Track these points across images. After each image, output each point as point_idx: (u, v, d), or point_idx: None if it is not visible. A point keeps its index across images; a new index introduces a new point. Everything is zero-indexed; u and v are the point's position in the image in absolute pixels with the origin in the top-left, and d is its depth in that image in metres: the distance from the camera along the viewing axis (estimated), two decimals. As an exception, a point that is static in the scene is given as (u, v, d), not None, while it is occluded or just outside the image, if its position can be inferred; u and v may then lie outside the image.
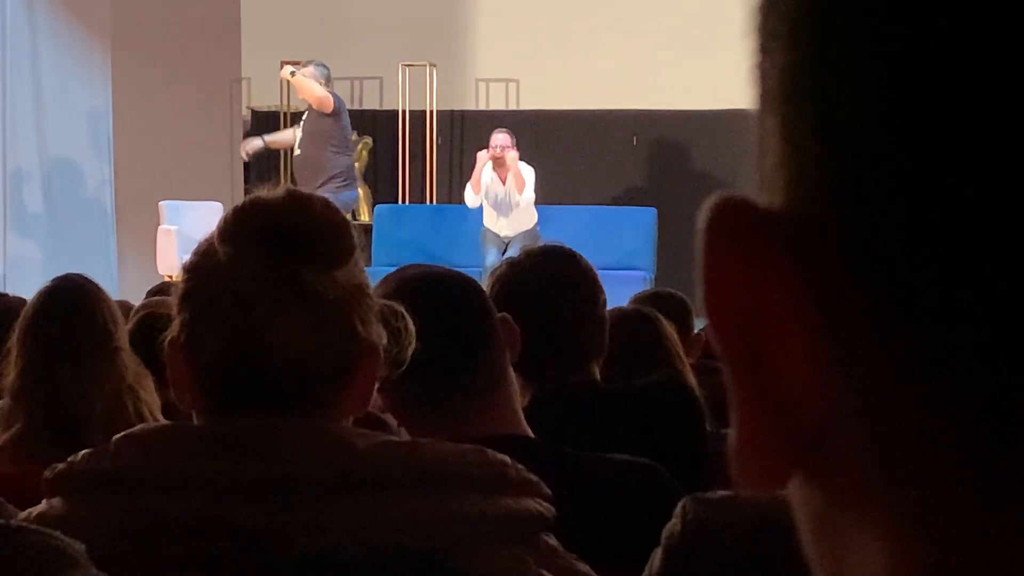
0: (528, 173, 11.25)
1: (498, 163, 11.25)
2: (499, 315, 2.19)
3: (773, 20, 0.46)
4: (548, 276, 2.55)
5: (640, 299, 4.27)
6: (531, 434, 2.19)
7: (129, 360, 2.94)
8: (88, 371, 2.89)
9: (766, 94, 0.46)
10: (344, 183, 10.78)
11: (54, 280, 3.06)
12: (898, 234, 0.42)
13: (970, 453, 0.42)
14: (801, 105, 0.44)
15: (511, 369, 2.20)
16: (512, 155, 11.25)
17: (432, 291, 2.18)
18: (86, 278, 3.09)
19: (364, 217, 12.66)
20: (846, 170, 0.43)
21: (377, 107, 13.48)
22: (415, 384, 2.06)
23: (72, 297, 2.97)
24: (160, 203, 10.97)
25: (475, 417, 2.14)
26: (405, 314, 1.73)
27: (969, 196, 0.41)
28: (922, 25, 0.41)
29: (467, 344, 2.16)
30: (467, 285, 2.23)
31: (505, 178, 11.25)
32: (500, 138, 11.31)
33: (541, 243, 2.96)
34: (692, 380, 3.31)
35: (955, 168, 0.41)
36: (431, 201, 13.02)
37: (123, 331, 2.97)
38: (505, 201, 11.18)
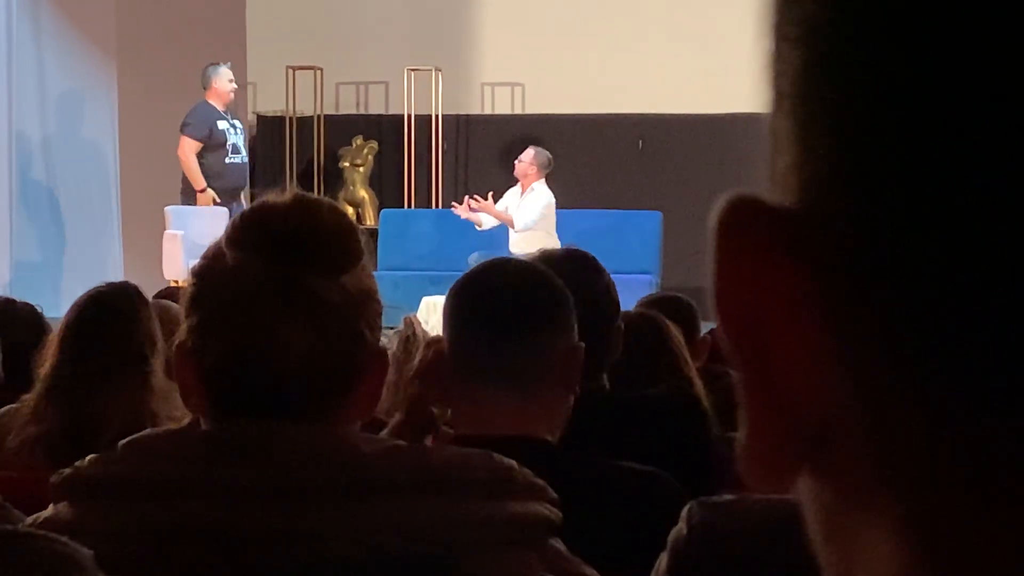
0: (534, 201, 11.12)
1: (519, 175, 11.26)
2: (577, 343, 2.20)
3: (787, 22, 0.46)
4: (567, 281, 2.55)
5: (646, 303, 4.27)
6: (548, 439, 2.19)
7: (159, 383, 2.91)
8: (112, 387, 2.88)
9: (779, 95, 0.46)
10: None
11: (108, 285, 3.05)
12: (908, 236, 0.42)
13: (975, 452, 0.42)
14: (815, 106, 0.45)
15: (561, 387, 2.20)
16: (525, 170, 11.16)
17: (497, 275, 2.24)
18: (138, 291, 3.06)
19: (370, 222, 12.67)
20: (858, 171, 0.43)
21: (383, 112, 13.48)
22: (455, 357, 2.16)
23: (116, 309, 2.96)
24: (166, 208, 10.98)
25: (497, 408, 2.15)
26: (413, 322, 1.74)
27: (984, 199, 0.41)
28: (937, 26, 0.41)
29: (511, 331, 2.17)
30: (537, 280, 2.23)
31: (524, 192, 11.21)
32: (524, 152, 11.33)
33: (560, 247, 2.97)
34: (698, 384, 3.31)
35: (969, 170, 0.41)
36: (437, 205, 13.02)
37: (160, 353, 2.94)
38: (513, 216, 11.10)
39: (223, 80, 11.13)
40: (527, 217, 10.85)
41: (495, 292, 2.20)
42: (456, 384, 2.20)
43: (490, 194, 11.11)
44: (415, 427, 2.29)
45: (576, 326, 2.20)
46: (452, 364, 2.19)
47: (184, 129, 10.96)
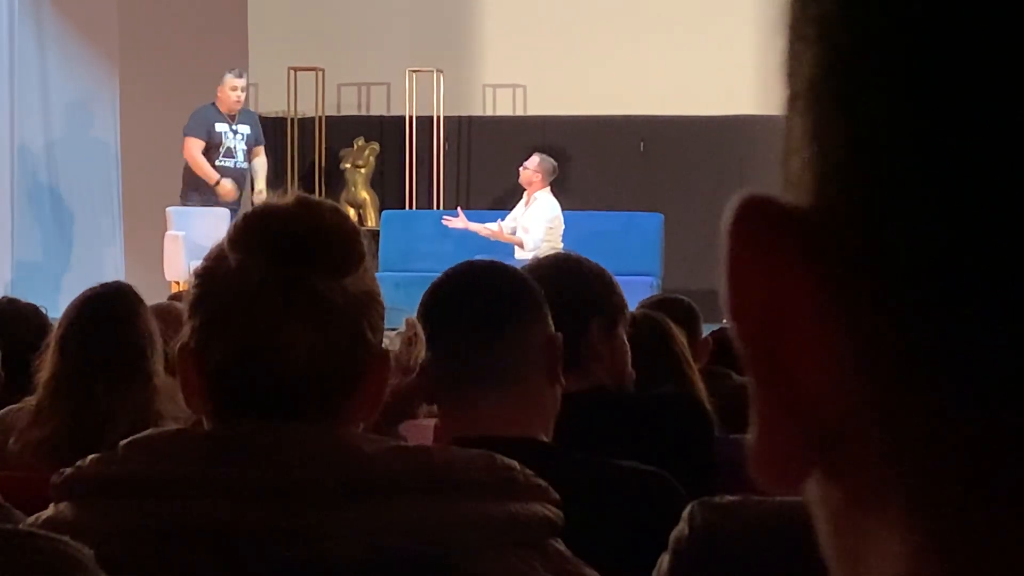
0: (538, 217, 11.05)
1: (524, 182, 11.23)
2: (553, 332, 2.21)
3: (803, 21, 0.46)
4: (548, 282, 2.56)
5: (648, 304, 4.27)
6: (544, 439, 2.20)
7: (162, 385, 2.91)
8: (116, 388, 2.88)
9: (794, 95, 0.46)
10: None
11: (102, 286, 3.05)
12: (921, 236, 0.42)
13: (988, 454, 0.42)
14: (830, 106, 0.45)
15: (544, 378, 2.20)
16: (529, 177, 11.12)
17: (462, 278, 2.25)
18: (132, 290, 3.06)
19: (371, 223, 12.67)
20: (873, 171, 0.43)
21: (384, 113, 13.48)
22: (438, 364, 2.17)
23: (112, 309, 2.95)
24: (167, 209, 10.99)
25: (487, 408, 2.15)
26: (416, 323, 1.74)
27: (1000, 199, 0.41)
28: (953, 27, 0.41)
29: (486, 329, 2.18)
30: (503, 276, 2.25)
31: (528, 202, 11.19)
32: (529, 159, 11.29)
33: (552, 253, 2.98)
34: (700, 385, 3.31)
35: (984, 170, 0.41)
36: (438, 207, 13.01)
37: (159, 354, 2.94)
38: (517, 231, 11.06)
39: (225, 87, 11.34)
40: (534, 237, 10.83)
41: (461, 295, 2.22)
42: (440, 389, 2.21)
43: (499, 222, 11.11)
44: (391, 414, 2.31)
45: (550, 318, 2.21)
46: (433, 370, 2.19)
47: (184, 130, 11.11)
